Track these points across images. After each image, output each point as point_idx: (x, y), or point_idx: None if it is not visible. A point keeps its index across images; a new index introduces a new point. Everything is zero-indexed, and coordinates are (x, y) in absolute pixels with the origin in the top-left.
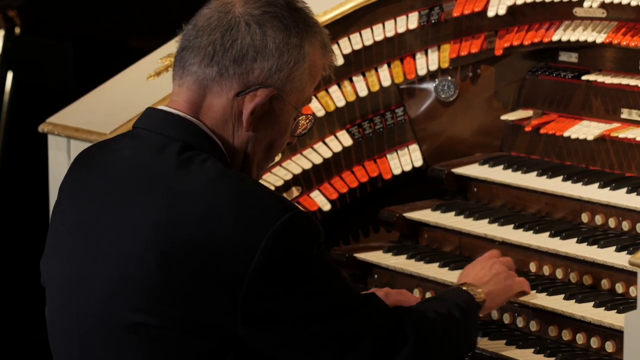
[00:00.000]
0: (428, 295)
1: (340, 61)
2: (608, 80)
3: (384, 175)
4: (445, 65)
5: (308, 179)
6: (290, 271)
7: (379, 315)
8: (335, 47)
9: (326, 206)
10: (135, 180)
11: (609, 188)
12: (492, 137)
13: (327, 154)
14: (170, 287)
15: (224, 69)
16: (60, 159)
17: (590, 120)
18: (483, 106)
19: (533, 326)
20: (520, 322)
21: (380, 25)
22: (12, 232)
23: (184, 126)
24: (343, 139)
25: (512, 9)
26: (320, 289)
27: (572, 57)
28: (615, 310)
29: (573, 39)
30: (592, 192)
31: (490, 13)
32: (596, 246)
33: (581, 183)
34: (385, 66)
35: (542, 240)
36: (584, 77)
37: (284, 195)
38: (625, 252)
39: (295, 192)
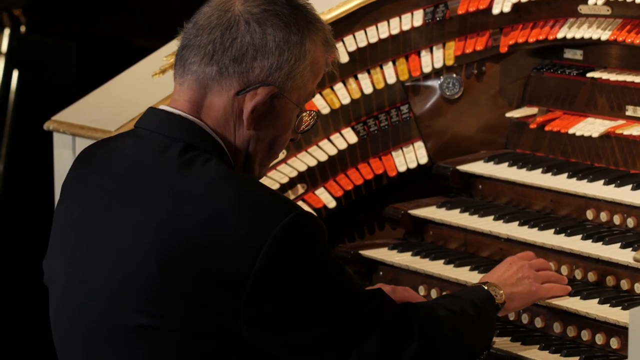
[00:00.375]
0: (433, 292)
1: (345, 59)
2: (613, 77)
3: (389, 172)
4: (450, 62)
5: (313, 176)
6: (294, 272)
7: (384, 312)
8: (340, 45)
9: (331, 203)
10: (137, 180)
11: (614, 185)
12: (497, 134)
13: (332, 151)
14: (172, 288)
15: (224, 68)
16: (65, 157)
17: (595, 118)
18: (488, 103)
19: (538, 323)
20: (525, 319)
21: (385, 23)
22: (17, 229)
23: (186, 126)
24: (348, 136)
25: (517, 6)
26: (324, 290)
27: (577, 55)
28: (620, 307)
29: (578, 36)
30: (597, 189)
31: (495, 10)
32: (601, 243)
33: (586, 180)
34: (390, 64)
35: (547, 237)
36: (589, 75)
37: (289, 192)
38: (630, 248)
39: (300, 189)
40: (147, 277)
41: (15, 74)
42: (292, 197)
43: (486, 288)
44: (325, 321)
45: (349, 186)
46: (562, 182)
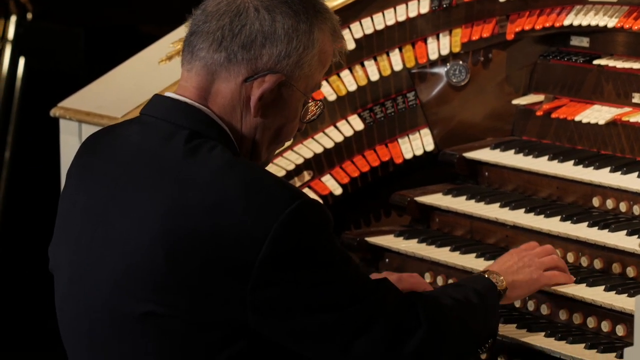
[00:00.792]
0: (439, 279)
1: (351, 45)
2: (619, 64)
3: (395, 159)
4: (456, 49)
5: (320, 163)
6: (299, 259)
7: (389, 301)
8: (346, 32)
9: (337, 190)
10: (143, 167)
11: (620, 172)
12: (503, 121)
13: (339, 138)
14: (177, 277)
15: (232, 55)
16: (71, 143)
17: (602, 105)
18: (494, 90)
19: (544, 310)
20: (530, 306)
21: (391, 10)
22: (24, 216)
23: (192, 114)
24: (354, 123)
25: None
26: (329, 278)
27: (584, 42)
28: (626, 294)
29: (584, 23)
30: (603, 176)
31: None
32: (607, 230)
33: (592, 167)
34: (397, 50)
35: (553, 225)
36: (595, 62)
37: (296, 179)
38: (636, 236)
39: (306, 176)
40: (152, 267)
41: (21, 61)
42: (298, 184)
43: (487, 276)
44: (330, 309)
45: (355, 173)
46: (568, 170)
